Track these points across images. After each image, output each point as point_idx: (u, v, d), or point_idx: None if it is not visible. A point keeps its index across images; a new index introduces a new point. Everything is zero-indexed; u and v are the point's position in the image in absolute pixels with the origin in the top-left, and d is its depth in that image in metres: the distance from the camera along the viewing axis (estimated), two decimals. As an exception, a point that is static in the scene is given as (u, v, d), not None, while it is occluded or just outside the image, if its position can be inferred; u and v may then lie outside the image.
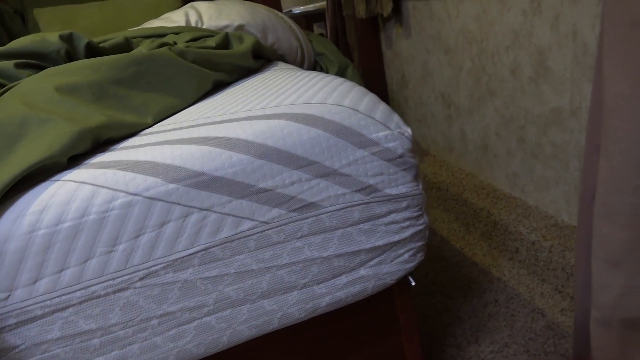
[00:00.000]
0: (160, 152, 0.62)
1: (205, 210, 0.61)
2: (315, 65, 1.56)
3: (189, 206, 0.60)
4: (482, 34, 1.38)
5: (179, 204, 0.60)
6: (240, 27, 1.35)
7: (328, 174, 0.66)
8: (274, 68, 1.17)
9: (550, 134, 1.22)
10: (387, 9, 1.78)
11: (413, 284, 0.79)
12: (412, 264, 0.76)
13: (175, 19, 1.38)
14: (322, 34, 2.19)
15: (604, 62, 0.67)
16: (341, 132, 0.66)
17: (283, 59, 1.45)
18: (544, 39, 1.15)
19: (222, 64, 1.01)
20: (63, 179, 0.60)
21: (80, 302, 0.60)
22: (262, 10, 1.47)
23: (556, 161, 1.22)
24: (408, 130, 0.70)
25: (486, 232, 1.41)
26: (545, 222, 1.26)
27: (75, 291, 0.59)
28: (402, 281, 0.80)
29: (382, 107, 0.71)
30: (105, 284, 0.60)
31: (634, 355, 0.73)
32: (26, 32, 1.74)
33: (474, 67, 1.46)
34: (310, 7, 2.47)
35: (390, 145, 0.68)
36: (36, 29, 1.69)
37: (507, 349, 1.04)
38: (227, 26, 1.33)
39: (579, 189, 0.81)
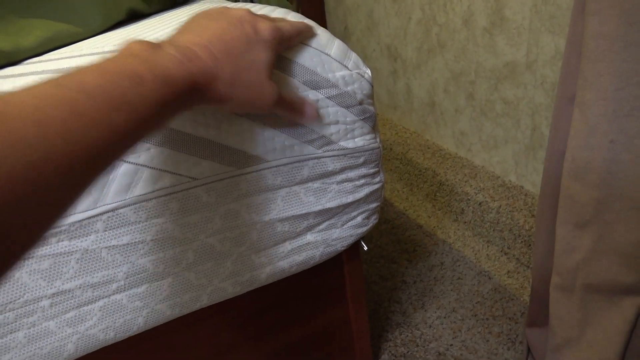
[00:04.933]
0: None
1: (111, 160, 0.47)
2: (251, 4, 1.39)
3: (88, 155, 0.46)
4: (435, -21, 1.27)
5: (73, 151, 0.45)
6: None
7: (274, 119, 0.53)
8: (202, 1, 1.00)
9: (502, 90, 1.15)
10: (332, -51, 1.63)
11: (365, 249, 0.69)
12: (365, 228, 0.66)
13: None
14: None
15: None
16: (289, 67, 0.53)
17: (215, -5, 1.27)
18: (503, -14, 1.07)
19: (139, -12, 0.83)
20: None
21: (-64, 282, 0.44)
22: None
23: (507, 119, 1.17)
24: (368, 72, 0.58)
25: (431, 193, 1.35)
26: (493, 182, 1.21)
27: None
28: (352, 246, 0.70)
29: (338, 42, 0.59)
30: (-28, 257, 0.44)
31: (596, 321, 0.69)
32: None
33: (424, 16, 1.36)
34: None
35: (349, 88, 0.56)
36: None
37: (454, 314, 0.99)
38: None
39: (546, 147, 0.74)
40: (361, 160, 0.60)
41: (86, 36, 0.69)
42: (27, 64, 0.54)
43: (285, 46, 0.50)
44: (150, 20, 0.80)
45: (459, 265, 1.12)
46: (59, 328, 0.51)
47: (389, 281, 1.10)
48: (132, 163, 0.48)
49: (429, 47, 1.38)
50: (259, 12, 0.68)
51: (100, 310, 0.53)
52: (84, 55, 0.54)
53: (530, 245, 1.07)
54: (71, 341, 0.52)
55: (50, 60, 0.54)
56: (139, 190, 0.49)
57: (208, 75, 0.39)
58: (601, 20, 0.56)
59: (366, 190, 0.63)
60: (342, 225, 0.63)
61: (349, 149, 0.59)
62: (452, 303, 1.02)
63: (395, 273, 1.12)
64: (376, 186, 0.64)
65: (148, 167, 0.49)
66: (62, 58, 0.54)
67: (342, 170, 0.60)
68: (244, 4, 0.83)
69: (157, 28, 0.67)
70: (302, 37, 0.53)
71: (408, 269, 1.13)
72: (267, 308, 0.72)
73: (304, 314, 0.75)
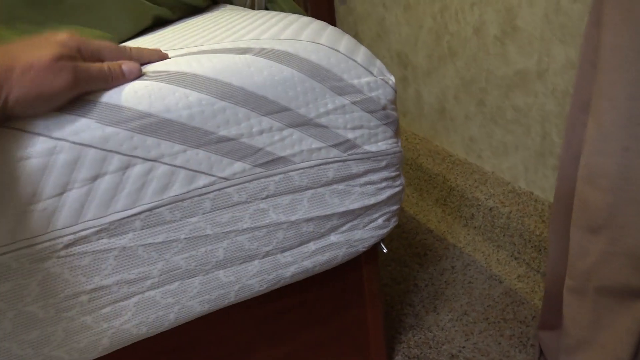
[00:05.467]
0: (91, 87, 0.48)
1: (152, 161, 0.49)
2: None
3: (131, 155, 0.48)
4: (447, -11, 1.30)
5: (118, 152, 0.47)
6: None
7: (302, 123, 0.55)
8: (223, 8, 1.03)
9: (513, 98, 1.18)
10: (343, -42, 1.66)
11: (385, 251, 0.71)
12: (385, 230, 0.68)
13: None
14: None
15: (606, 10, 0.60)
16: (319, 74, 0.55)
17: (230, 2, 1.30)
18: (514, -4, 1.09)
19: (165, -3, 0.86)
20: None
21: (-16, 276, 0.46)
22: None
23: (517, 126, 1.19)
24: (392, 78, 0.61)
25: (441, 198, 1.37)
26: (503, 188, 1.24)
27: (-23, 262, 0.46)
28: (371, 248, 0.72)
29: (364, 49, 0.61)
30: (17, 252, 0.47)
31: (608, 323, 0.71)
32: None
33: (435, 25, 1.39)
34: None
35: (373, 94, 0.58)
36: None
37: (466, 316, 1.01)
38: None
39: (560, 153, 0.76)
40: (383, 163, 0.63)
41: (116, 42, 0.72)
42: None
43: (93, 54, 0.47)
44: (174, 26, 0.82)
45: (470, 269, 1.14)
46: (96, 323, 0.53)
47: (401, 284, 1.12)
48: (169, 165, 0.50)
49: (439, 54, 1.41)
50: (272, 19, 0.70)
51: (134, 306, 0.55)
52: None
53: (540, 250, 1.09)
54: (106, 335, 0.54)
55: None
56: (175, 190, 0.51)
57: None
58: (615, 32, 0.59)
59: (388, 192, 0.65)
60: (364, 226, 0.66)
61: (373, 152, 0.61)
62: (464, 306, 1.04)
63: (407, 276, 1.14)
64: (397, 189, 0.66)
65: (184, 168, 0.51)
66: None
67: (365, 173, 0.62)
68: (244, 12, 0.85)
69: (185, 35, 0.69)
70: (109, 54, 0.49)
71: (419, 272, 1.15)
72: (288, 308, 0.74)
73: (323, 314, 0.77)
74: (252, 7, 1.35)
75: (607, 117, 0.62)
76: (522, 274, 1.10)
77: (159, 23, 0.86)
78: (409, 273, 1.15)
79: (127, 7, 0.75)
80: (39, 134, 0.45)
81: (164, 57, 0.54)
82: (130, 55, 0.50)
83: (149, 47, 0.59)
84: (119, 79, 0.47)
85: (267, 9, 1.42)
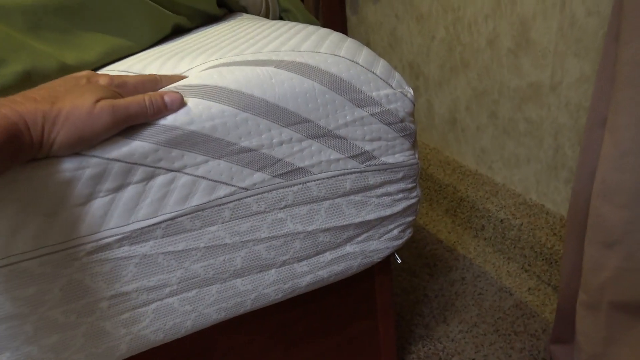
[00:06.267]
0: (116, 98, 0.49)
1: (175, 171, 0.50)
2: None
3: (155, 167, 0.49)
4: (460, 0, 1.31)
5: (142, 164, 0.48)
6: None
7: (321, 134, 0.56)
8: (239, 18, 1.04)
9: (526, 110, 1.18)
10: (357, -32, 1.67)
11: (399, 262, 0.72)
12: (400, 241, 0.69)
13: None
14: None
15: (623, 27, 0.61)
16: (339, 86, 0.56)
17: (245, 10, 1.31)
18: (529, 8, 1.10)
19: (182, 6, 0.87)
20: None
21: (7, 281, 0.47)
22: (225, -47, 1.31)
23: (529, 138, 1.19)
24: (410, 91, 0.61)
25: (451, 209, 1.37)
26: (514, 200, 1.23)
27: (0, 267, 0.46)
28: (384, 259, 0.73)
29: (383, 62, 0.62)
30: (40, 259, 0.47)
31: (622, 338, 0.71)
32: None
33: (448, 36, 1.40)
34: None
35: (392, 106, 0.59)
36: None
37: (476, 328, 1.00)
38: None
39: (576, 168, 0.77)
40: (400, 175, 0.63)
41: (138, 50, 0.73)
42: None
43: (130, 92, 0.49)
44: (193, 35, 0.83)
45: (480, 281, 1.13)
46: (114, 328, 0.54)
47: (412, 294, 1.12)
48: (191, 175, 0.51)
49: (451, 65, 1.41)
50: (291, 30, 0.71)
51: (153, 313, 0.55)
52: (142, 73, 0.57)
53: (551, 263, 1.08)
54: (124, 341, 0.55)
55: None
56: (196, 200, 0.52)
57: (22, 114, 0.39)
58: (634, 49, 0.59)
59: (403, 204, 0.65)
60: (379, 237, 0.66)
61: (390, 164, 0.62)
62: (474, 318, 1.03)
63: (417, 287, 1.14)
64: (413, 200, 0.66)
65: (206, 178, 0.52)
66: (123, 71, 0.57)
67: (382, 184, 0.62)
68: (260, 21, 0.86)
69: (204, 44, 0.70)
70: (148, 86, 0.51)
71: (430, 283, 1.15)
72: (301, 317, 0.74)
73: (336, 323, 0.78)
74: (267, 16, 1.37)
75: (624, 133, 0.62)
76: (532, 286, 1.10)
77: (178, 31, 0.87)
78: (419, 283, 1.15)
79: (148, 16, 0.76)
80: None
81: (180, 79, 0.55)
82: (162, 84, 0.52)
83: (172, 56, 0.61)
84: (162, 111, 0.48)
85: (281, 17, 1.43)
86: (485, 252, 1.23)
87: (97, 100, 0.43)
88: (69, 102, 0.42)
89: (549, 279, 1.09)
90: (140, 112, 0.46)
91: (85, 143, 0.44)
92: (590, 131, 0.71)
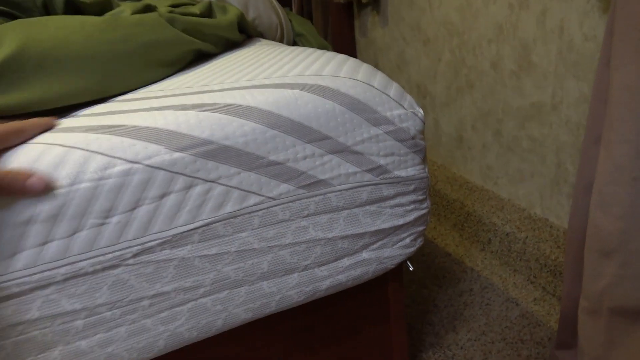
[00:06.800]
0: (162, 118, 0.56)
1: (211, 182, 0.56)
2: (294, 45, 1.51)
3: (194, 177, 0.55)
4: (465, 26, 1.38)
5: (182, 174, 0.54)
6: (222, -2, 1.27)
7: (341, 150, 0.62)
8: (258, 43, 1.12)
9: (529, 128, 1.24)
10: (366, -5, 1.76)
11: (411, 269, 0.77)
12: (412, 249, 0.74)
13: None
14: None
15: (615, 52, 0.67)
16: (357, 107, 0.62)
17: (262, 36, 1.39)
18: (529, 33, 1.16)
19: (209, 35, 0.95)
20: (46, 141, 0.52)
21: (65, 280, 0.53)
22: (243, -18, 1.40)
23: (533, 155, 1.25)
24: (420, 111, 0.68)
25: (458, 223, 1.42)
26: (519, 214, 1.29)
27: (60, 267, 0.52)
28: (397, 267, 0.78)
29: (395, 85, 0.68)
30: (94, 259, 0.53)
31: (621, 342, 0.75)
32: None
33: (454, 59, 1.47)
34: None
35: (404, 125, 0.65)
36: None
37: (484, 337, 1.05)
38: (208, -5, 1.26)
39: (574, 182, 0.82)
40: (412, 187, 0.69)
41: (167, 75, 0.79)
42: (125, 101, 0.64)
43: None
44: (217, 60, 0.90)
45: (487, 292, 1.18)
46: (154, 325, 0.60)
47: (422, 305, 1.16)
48: (225, 185, 0.57)
49: (457, 86, 1.48)
50: (311, 56, 0.78)
51: (188, 312, 0.61)
52: (178, 95, 0.64)
53: (556, 274, 1.13)
54: (162, 338, 0.61)
55: (148, 98, 0.64)
56: (229, 208, 0.58)
57: None
58: (624, 74, 0.65)
59: (415, 214, 0.71)
60: (393, 245, 0.71)
61: (402, 177, 0.67)
62: (482, 327, 1.08)
63: (426, 297, 1.19)
64: (423, 211, 0.72)
65: (238, 188, 0.58)
66: (159, 97, 0.64)
67: (395, 195, 0.68)
68: (281, 47, 0.93)
69: (232, 69, 0.77)
70: (11, 139, 0.50)
71: (439, 294, 1.20)
72: (318, 322, 0.79)
73: (351, 328, 0.82)
74: (282, 41, 1.45)
75: (617, 149, 0.68)
76: (538, 297, 1.14)
77: (201, 56, 0.94)
78: (429, 294, 1.20)
79: (181, 46, 0.83)
80: (118, 158, 0.52)
81: (50, 126, 0.55)
82: (27, 133, 0.51)
83: (203, 80, 0.67)
84: (17, 192, 0.48)
85: (295, 42, 1.51)
86: (492, 264, 1.28)
87: None
88: None
89: (553, 290, 1.14)
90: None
91: None
92: (587, 147, 0.77)
